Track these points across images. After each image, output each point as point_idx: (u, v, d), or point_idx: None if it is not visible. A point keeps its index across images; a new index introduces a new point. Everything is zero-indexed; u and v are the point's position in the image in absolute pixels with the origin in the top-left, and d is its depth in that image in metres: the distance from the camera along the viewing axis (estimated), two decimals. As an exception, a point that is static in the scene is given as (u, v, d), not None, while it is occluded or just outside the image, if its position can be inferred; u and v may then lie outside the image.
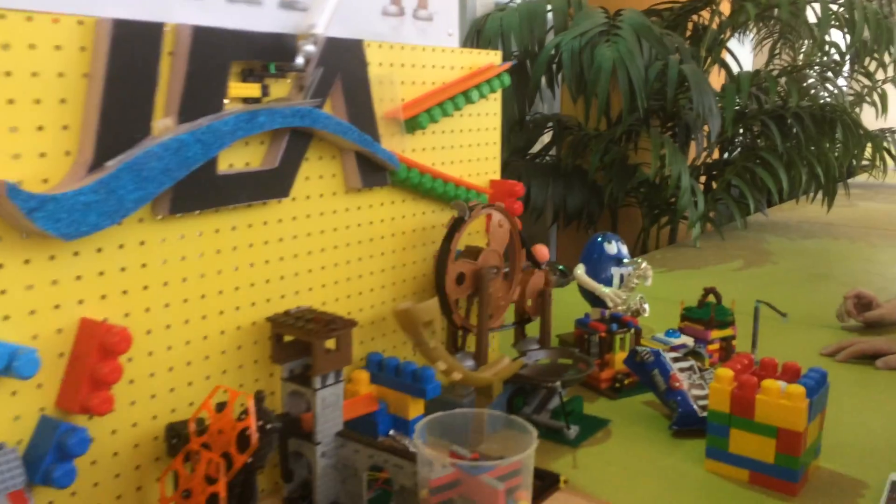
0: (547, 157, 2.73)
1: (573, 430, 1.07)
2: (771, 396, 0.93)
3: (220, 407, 0.78)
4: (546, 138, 2.74)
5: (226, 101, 0.82)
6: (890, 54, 2.76)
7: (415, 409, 0.99)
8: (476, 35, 2.38)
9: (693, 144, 2.60)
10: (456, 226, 1.05)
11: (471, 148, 1.19)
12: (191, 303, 0.83)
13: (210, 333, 0.86)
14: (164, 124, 0.75)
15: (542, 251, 1.20)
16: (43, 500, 0.72)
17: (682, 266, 2.16)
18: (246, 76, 0.84)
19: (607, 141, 2.42)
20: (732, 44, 3.00)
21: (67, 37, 0.69)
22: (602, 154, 2.39)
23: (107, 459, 0.77)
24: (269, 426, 0.73)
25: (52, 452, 0.69)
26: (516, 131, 2.49)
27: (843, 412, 1.14)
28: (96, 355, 0.72)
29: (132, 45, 0.72)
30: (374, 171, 1.01)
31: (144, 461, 0.81)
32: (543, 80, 2.39)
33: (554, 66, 2.41)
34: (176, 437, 0.79)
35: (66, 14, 0.69)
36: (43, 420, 0.71)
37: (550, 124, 2.66)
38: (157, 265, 0.79)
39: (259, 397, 0.74)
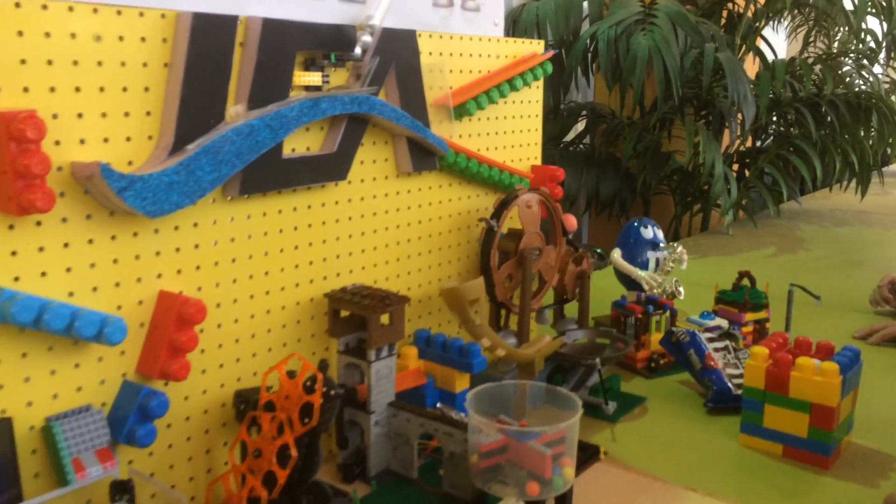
0: (580, 146, 2.76)
1: (611, 406, 1.11)
2: (805, 373, 0.96)
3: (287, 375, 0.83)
4: (580, 126, 2.77)
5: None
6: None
7: (461, 382, 1.03)
8: (512, 25, 2.40)
9: (727, 132, 2.61)
10: (489, 239, 1.09)
11: (514, 134, 1.24)
12: (255, 279, 0.89)
13: (272, 308, 0.91)
14: (235, 111, 0.80)
15: (571, 220, 1.24)
16: (123, 459, 0.78)
17: (715, 252, 2.18)
18: (308, 65, 0.89)
19: (641, 129, 2.44)
20: (767, 31, 3.00)
21: (151, 29, 0.74)
22: (635, 142, 2.42)
23: (180, 423, 0.83)
24: (332, 392, 0.78)
25: (134, 414, 0.75)
26: (550, 119, 2.51)
27: (875, 392, 1.17)
28: (174, 325, 0.77)
29: (209, 37, 0.78)
30: (424, 156, 1.06)
31: (213, 426, 0.87)
32: (578, 68, 2.41)
33: (589, 55, 2.43)
34: (244, 404, 0.85)
35: (151, 8, 0.74)
36: (125, 384, 0.77)
37: (584, 112, 2.68)
38: (226, 243, 0.85)
39: (323, 365, 0.79)
